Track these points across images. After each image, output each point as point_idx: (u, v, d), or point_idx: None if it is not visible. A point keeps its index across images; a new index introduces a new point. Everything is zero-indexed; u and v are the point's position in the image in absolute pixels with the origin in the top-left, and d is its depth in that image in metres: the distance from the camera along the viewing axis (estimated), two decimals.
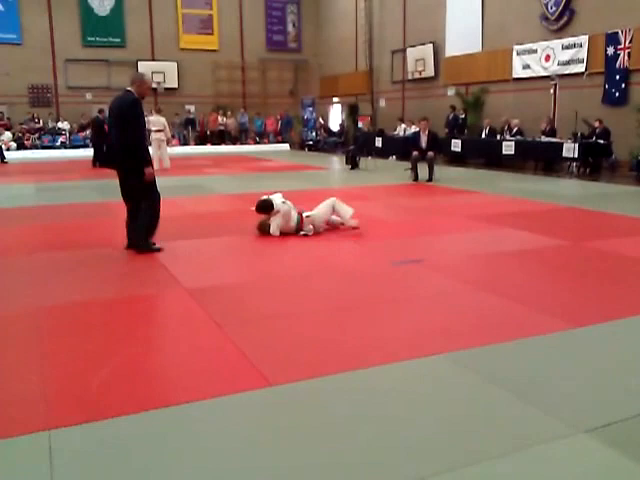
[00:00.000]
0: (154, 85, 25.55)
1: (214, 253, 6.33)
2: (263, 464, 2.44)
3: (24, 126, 23.58)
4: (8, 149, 21.13)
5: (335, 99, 28.00)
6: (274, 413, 2.88)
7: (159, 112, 16.68)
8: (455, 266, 5.61)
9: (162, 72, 25.76)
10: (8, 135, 22.33)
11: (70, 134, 24.01)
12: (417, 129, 14.12)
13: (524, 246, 6.41)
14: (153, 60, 25.94)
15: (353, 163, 16.09)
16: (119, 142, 6.09)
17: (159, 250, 6.26)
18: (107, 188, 11.96)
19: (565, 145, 13.90)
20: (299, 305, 4.52)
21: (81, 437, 2.66)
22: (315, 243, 6.67)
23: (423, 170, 12.64)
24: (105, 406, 2.93)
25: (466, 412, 2.87)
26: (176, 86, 26.27)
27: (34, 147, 22.90)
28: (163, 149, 16.10)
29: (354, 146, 16.99)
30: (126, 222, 6.42)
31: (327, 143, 24.85)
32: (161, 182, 10.92)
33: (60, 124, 24.33)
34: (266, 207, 6.99)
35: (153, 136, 15.93)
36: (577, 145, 13.61)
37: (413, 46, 21.87)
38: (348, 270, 5.56)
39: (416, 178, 12.70)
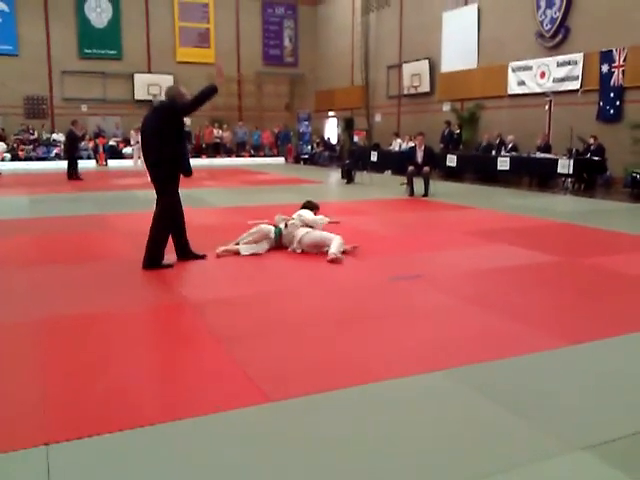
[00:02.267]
0: (149, 97, 25.65)
1: (212, 266, 6.29)
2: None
3: (18, 137, 23.55)
4: (2, 160, 21.10)
5: (331, 113, 28.11)
6: (272, 429, 2.84)
7: None
8: (452, 282, 5.59)
9: (158, 85, 25.78)
10: (2, 146, 22.28)
11: (65, 146, 23.95)
12: (413, 144, 14.17)
13: (520, 262, 6.41)
14: (149, 73, 26.01)
15: (349, 177, 16.12)
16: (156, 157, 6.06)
17: (169, 266, 6.11)
18: (102, 200, 11.96)
19: (560, 161, 13.97)
20: (297, 320, 4.49)
21: (78, 452, 2.62)
22: (312, 258, 6.64)
23: (419, 185, 12.67)
24: (102, 421, 2.88)
25: (463, 429, 2.84)
26: None
27: (28, 159, 22.85)
28: None
29: (350, 160, 17.02)
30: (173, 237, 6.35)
31: (322, 157, 24.91)
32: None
33: (55, 136, 24.32)
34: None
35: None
36: (572, 161, 13.68)
37: (409, 61, 22.02)
38: (346, 285, 5.54)
39: (412, 193, 12.71)
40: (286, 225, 6.91)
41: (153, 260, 6.02)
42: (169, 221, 6.18)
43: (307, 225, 6.91)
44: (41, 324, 4.37)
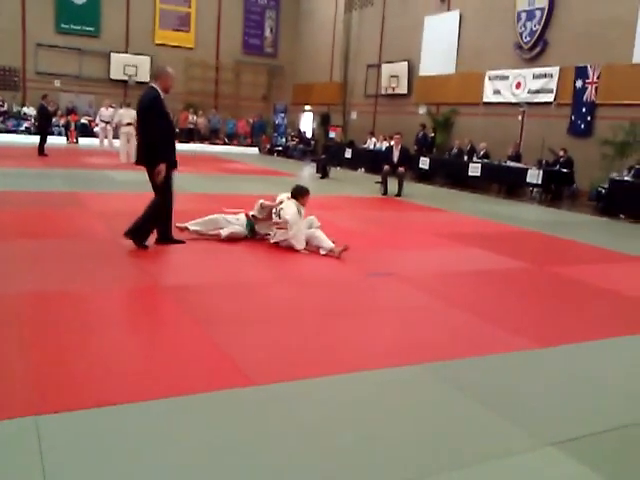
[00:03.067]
0: (125, 77, 25.33)
1: (189, 253, 6.33)
2: (240, 462, 2.50)
3: None
4: None
5: (307, 107, 28.14)
6: (255, 412, 2.93)
7: (129, 106, 16.53)
8: (426, 281, 5.74)
9: (135, 65, 25.49)
10: None
11: (36, 120, 23.49)
12: (388, 144, 14.32)
13: (490, 266, 6.61)
14: (126, 53, 25.65)
15: (324, 172, 16.22)
16: (141, 139, 6.13)
17: (146, 248, 6.17)
18: (73, 177, 11.82)
19: (530, 171, 14.30)
20: (275, 310, 4.58)
21: (66, 424, 2.68)
22: (289, 251, 6.72)
23: (392, 185, 12.84)
24: (86, 396, 2.94)
25: (435, 421, 2.98)
26: (148, 80, 25.97)
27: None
28: (132, 143, 15.92)
29: (325, 155, 17.11)
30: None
31: (296, 150, 24.94)
32: (130, 177, 10.82)
33: (26, 109, 23.83)
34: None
35: (123, 130, 15.78)
36: (541, 172, 14.02)
37: (388, 62, 22.19)
38: (320, 279, 5.65)
39: (385, 192, 12.89)
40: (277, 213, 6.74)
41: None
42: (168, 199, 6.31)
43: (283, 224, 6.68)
44: (19, 299, 4.36)
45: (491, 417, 3.05)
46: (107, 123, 19.45)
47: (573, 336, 4.39)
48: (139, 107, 6.16)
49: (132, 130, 15.74)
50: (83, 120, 24.26)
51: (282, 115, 26.72)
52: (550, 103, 15.81)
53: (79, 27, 24.90)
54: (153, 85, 6.14)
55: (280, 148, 25.53)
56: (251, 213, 6.98)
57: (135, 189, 10.95)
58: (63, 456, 2.44)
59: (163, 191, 6.19)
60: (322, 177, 16.10)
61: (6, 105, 23.67)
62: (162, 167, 5.99)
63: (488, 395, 3.29)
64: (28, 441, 2.50)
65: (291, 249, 6.59)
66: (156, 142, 5.98)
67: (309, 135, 26.91)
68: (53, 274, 5.11)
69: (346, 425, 2.86)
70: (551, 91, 15.87)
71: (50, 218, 7.60)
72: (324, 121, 25.86)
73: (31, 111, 23.69)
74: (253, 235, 6.97)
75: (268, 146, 26.06)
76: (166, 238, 6.39)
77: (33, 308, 4.24)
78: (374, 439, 2.76)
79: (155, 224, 6.26)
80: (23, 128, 23.02)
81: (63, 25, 24.66)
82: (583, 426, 3.01)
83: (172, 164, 6.19)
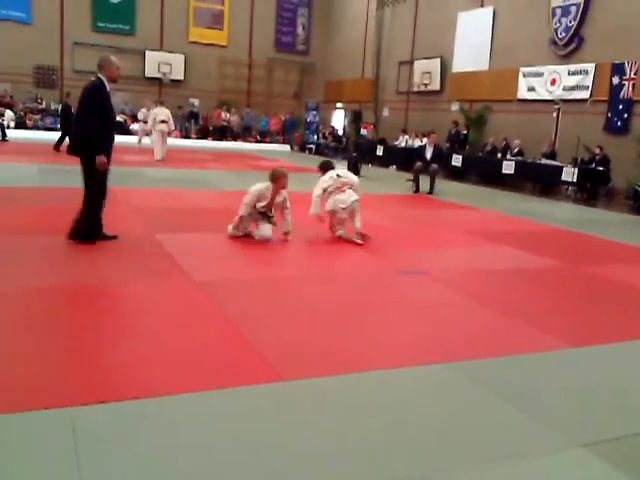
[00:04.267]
0: (159, 75, 25.64)
1: (219, 248, 6.42)
2: (266, 456, 2.54)
3: (27, 106, 23.52)
4: (8, 127, 21.08)
5: (339, 104, 28.15)
6: (285, 407, 2.97)
7: (162, 104, 16.79)
8: (458, 280, 5.73)
9: (169, 63, 25.81)
10: (10, 114, 22.27)
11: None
12: (420, 142, 14.25)
13: (523, 265, 6.55)
14: (161, 50, 25.98)
15: (355, 170, 16.18)
16: (76, 129, 6.06)
17: (113, 237, 6.15)
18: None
19: (565, 169, 14.10)
20: (305, 306, 4.62)
21: (100, 416, 2.75)
22: (320, 246, 6.76)
23: (424, 182, 12.79)
24: (120, 388, 3.02)
25: (463, 420, 2.98)
26: (182, 78, 26.31)
27: (35, 127, 22.84)
28: (164, 140, 16.15)
29: (356, 153, 17.10)
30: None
31: (328, 148, 24.97)
32: (163, 173, 10.95)
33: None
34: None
35: (157, 127, 15.98)
36: (576, 170, 13.81)
37: (421, 59, 22.07)
38: (354, 276, 5.67)
39: (417, 189, 12.84)
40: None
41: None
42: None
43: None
44: (54, 292, 4.49)
45: (521, 417, 3.04)
46: (146, 122, 19.70)
47: (605, 336, 4.34)
48: (80, 96, 6.04)
49: (166, 128, 15.99)
50: (119, 118, 24.59)
51: (314, 112, 26.76)
52: (585, 100, 15.55)
53: (115, 25, 25.31)
54: (99, 75, 6.01)
55: (312, 146, 25.59)
56: (241, 214, 6.74)
57: (169, 185, 11.14)
58: (97, 448, 2.50)
59: (97, 183, 6.04)
60: (353, 174, 16.07)
61: (44, 103, 24.17)
62: (102, 158, 5.90)
63: (518, 395, 3.27)
64: (63, 432, 2.58)
65: (318, 245, 6.63)
66: (92, 132, 5.87)
67: (340, 132, 26.91)
68: (88, 268, 5.24)
69: (373, 421, 2.89)
70: (587, 88, 15.60)
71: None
72: (355, 118, 25.83)
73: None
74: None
75: (300, 144, 26.15)
76: (97, 233, 6.16)
77: (68, 301, 4.36)
78: (400, 434, 2.78)
79: (96, 217, 6.11)
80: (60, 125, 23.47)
81: (99, 24, 25.09)
82: (614, 428, 2.98)
83: (108, 155, 6.05)
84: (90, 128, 5.87)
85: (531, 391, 3.34)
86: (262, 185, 6.72)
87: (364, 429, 2.81)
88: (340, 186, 7.11)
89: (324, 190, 7.08)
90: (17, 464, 2.36)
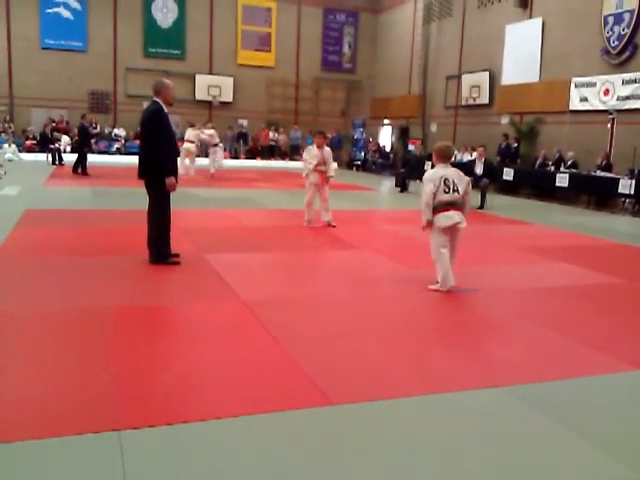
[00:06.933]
0: (209, 98, 26.13)
1: (267, 267, 6.40)
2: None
3: None
4: (64, 151, 21.80)
5: (386, 121, 28.09)
6: (332, 432, 2.89)
7: (193, 126, 18.02)
8: (513, 299, 5.55)
9: (218, 86, 26.28)
10: (66, 139, 23.03)
11: (126, 141, 24.67)
12: (470, 156, 14.04)
13: (579, 282, 6.31)
14: (210, 74, 26.50)
15: (403, 186, 16.09)
16: (144, 153, 6.13)
17: (176, 263, 6.22)
18: None
19: (621, 181, 13.64)
20: (353, 326, 4.54)
21: (148, 440, 2.73)
22: (371, 263, 6.67)
23: (475, 197, 12.55)
24: (168, 412, 3.00)
25: (525, 447, 2.84)
26: (231, 100, 26.74)
27: (90, 152, 23.51)
28: (192, 159, 17.40)
29: (404, 169, 16.98)
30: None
31: (375, 164, 24.91)
32: (213, 193, 11.12)
33: (116, 130, 25.02)
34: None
35: (184, 145, 16.71)
36: (634, 182, 13.34)
37: (469, 72, 21.84)
38: (404, 294, 5.56)
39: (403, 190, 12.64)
40: None
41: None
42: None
43: None
44: (103, 313, 4.53)
45: (582, 443, 2.88)
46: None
47: None
48: (141, 121, 6.13)
49: (192, 148, 17.30)
50: None
51: (361, 129, 26.78)
52: None
53: (166, 50, 25.96)
54: (156, 99, 6.10)
55: (359, 162, 25.57)
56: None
57: (218, 205, 11.26)
58: (145, 472, 2.48)
59: (162, 206, 6.17)
60: (401, 191, 15.98)
61: (99, 127, 24.93)
62: (172, 179, 6.01)
63: (580, 420, 3.11)
64: (111, 455, 2.56)
65: (369, 263, 6.55)
66: (161, 158, 5.97)
67: (388, 149, 26.82)
68: (138, 288, 5.29)
69: (423, 447, 2.78)
70: None
71: (140, 234, 7.88)
72: (403, 134, 25.72)
73: (121, 132, 24.86)
74: None
75: (347, 161, 26.16)
76: (164, 257, 6.26)
77: (117, 322, 4.39)
78: (457, 462, 2.66)
79: (164, 237, 6.23)
80: (114, 149, 24.18)
81: (151, 49, 25.78)
82: None
83: (175, 176, 6.14)
84: (159, 154, 5.96)
85: (592, 416, 3.17)
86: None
87: (413, 455, 2.70)
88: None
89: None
90: None
